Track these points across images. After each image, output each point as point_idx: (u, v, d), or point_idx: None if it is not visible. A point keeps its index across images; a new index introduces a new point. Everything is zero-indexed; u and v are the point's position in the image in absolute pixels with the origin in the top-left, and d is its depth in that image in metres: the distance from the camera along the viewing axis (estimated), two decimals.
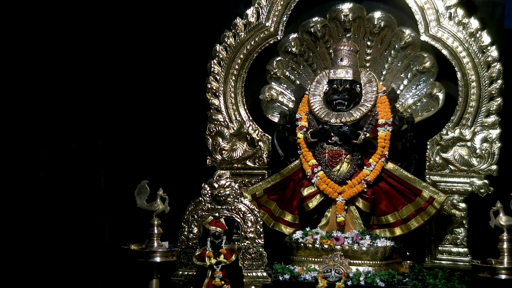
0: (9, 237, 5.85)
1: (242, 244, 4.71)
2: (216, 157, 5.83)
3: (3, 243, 5.82)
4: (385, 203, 5.31)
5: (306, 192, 5.38)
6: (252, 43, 5.79)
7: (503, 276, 4.68)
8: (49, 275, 5.95)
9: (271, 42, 5.80)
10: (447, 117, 5.45)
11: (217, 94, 5.87)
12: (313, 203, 5.36)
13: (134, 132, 6.23)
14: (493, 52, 5.29)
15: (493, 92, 5.31)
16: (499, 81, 5.30)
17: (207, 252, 4.66)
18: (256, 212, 4.77)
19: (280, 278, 5.00)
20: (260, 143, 5.76)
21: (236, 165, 5.81)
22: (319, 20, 5.67)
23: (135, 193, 5.13)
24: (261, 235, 4.72)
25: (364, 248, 5.05)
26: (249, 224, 4.72)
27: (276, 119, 5.72)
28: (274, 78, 5.83)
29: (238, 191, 4.79)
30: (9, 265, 5.77)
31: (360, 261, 5.04)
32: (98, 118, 6.24)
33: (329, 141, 5.36)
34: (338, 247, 5.05)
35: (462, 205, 5.36)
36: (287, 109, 5.76)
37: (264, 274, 4.70)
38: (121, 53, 6.23)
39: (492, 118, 5.33)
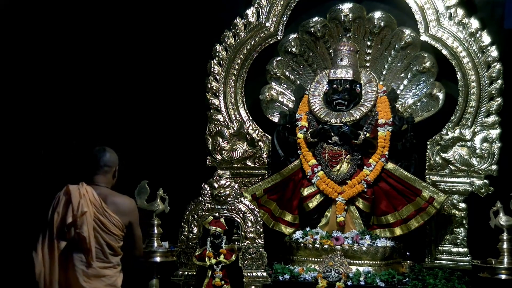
0: (10, 237, 5.85)
1: (242, 244, 4.72)
2: (216, 157, 5.83)
3: (3, 242, 5.82)
4: (385, 203, 5.31)
5: (306, 192, 5.38)
6: (252, 43, 5.80)
7: (503, 276, 4.69)
8: None
9: (271, 42, 5.80)
10: (447, 117, 5.45)
11: (217, 94, 5.87)
12: (313, 203, 5.36)
13: (134, 132, 6.23)
14: (493, 52, 5.29)
15: (493, 92, 5.32)
16: (499, 81, 5.30)
17: (207, 252, 4.67)
18: (256, 212, 4.78)
19: (280, 278, 5.00)
20: (260, 143, 5.76)
21: (236, 165, 5.81)
22: (319, 20, 5.67)
23: (135, 193, 5.14)
24: (261, 235, 4.73)
25: (364, 248, 5.05)
26: (249, 224, 4.73)
27: (276, 119, 5.72)
28: (274, 78, 5.83)
29: (238, 191, 4.80)
30: (9, 265, 5.77)
31: (360, 261, 5.05)
32: (98, 118, 6.24)
33: (329, 141, 5.36)
34: (338, 247, 5.05)
35: (462, 205, 5.36)
36: (287, 109, 5.77)
37: (264, 274, 4.70)
38: (122, 53, 6.23)
39: (492, 118, 5.33)
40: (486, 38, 5.30)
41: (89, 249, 3.97)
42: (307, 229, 5.32)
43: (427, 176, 5.42)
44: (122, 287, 4.29)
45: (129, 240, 4.24)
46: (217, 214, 4.76)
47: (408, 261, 5.38)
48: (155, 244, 5.08)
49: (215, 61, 5.85)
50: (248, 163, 5.81)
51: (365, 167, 5.30)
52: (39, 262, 3.98)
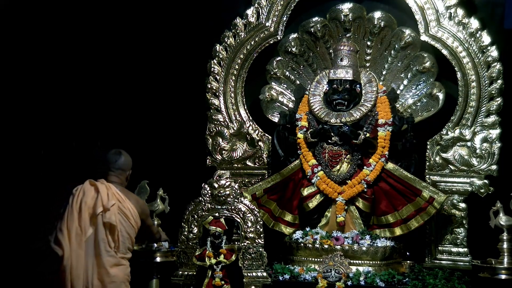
0: (10, 237, 5.85)
1: (242, 244, 4.72)
2: (216, 157, 5.83)
3: (3, 242, 5.83)
4: (385, 203, 5.31)
5: (306, 192, 5.38)
6: (252, 43, 5.80)
7: (503, 276, 4.69)
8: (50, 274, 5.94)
9: (271, 42, 5.80)
10: (447, 117, 5.45)
11: (217, 94, 5.87)
12: (313, 203, 5.36)
13: (134, 132, 6.23)
14: (493, 52, 5.29)
15: (493, 92, 5.32)
16: (499, 81, 5.30)
17: (207, 252, 4.67)
18: (256, 212, 4.78)
19: (280, 278, 5.00)
20: (260, 143, 5.76)
21: (236, 165, 5.81)
22: (319, 20, 5.67)
23: (135, 193, 5.13)
24: (261, 235, 4.73)
25: (364, 248, 5.05)
26: (249, 224, 4.73)
27: (276, 119, 5.72)
28: (274, 78, 5.83)
29: (238, 191, 4.80)
30: (9, 265, 5.77)
31: (360, 261, 5.05)
32: (98, 118, 6.24)
33: (329, 141, 5.36)
34: (338, 247, 5.05)
35: (462, 205, 5.36)
36: (287, 109, 5.77)
37: (264, 274, 4.71)
38: (122, 53, 6.23)
39: (492, 118, 5.33)
40: (486, 38, 5.30)
41: (117, 239, 4.32)
42: (307, 229, 5.32)
43: (427, 176, 5.42)
44: None
45: (145, 233, 4.68)
46: (217, 214, 4.76)
47: (408, 261, 5.38)
48: (155, 244, 5.08)
49: (215, 61, 5.85)
50: (248, 163, 5.81)
51: (365, 167, 5.30)
52: (67, 248, 4.24)
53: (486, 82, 5.32)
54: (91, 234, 4.29)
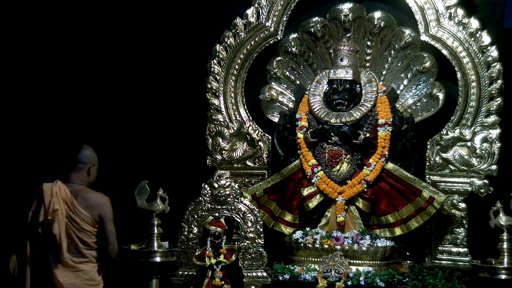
0: (10, 237, 5.85)
1: (242, 244, 4.72)
2: (216, 157, 5.83)
3: (3, 242, 5.82)
4: (385, 203, 5.31)
5: (306, 192, 5.38)
6: (252, 43, 5.80)
7: (503, 276, 4.68)
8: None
9: (271, 42, 5.80)
10: (447, 117, 5.45)
11: (217, 94, 5.87)
12: (313, 203, 5.36)
13: (135, 132, 6.23)
14: (493, 52, 5.29)
15: (493, 92, 5.32)
16: (499, 81, 5.30)
17: (207, 252, 4.67)
18: (256, 212, 4.78)
19: (280, 278, 5.00)
20: (260, 143, 5.76)
21: (236, 165, 5.81)
22: (319, 20, 5.67)
23: (135, 193, 5.14)
24: (261, 235, 4.73)
25: (364, 248, 5.05)
26: (249, 224, 4.73)
27: (276, 119, 5.72)
28: (274, 78, 5.83)
29: (238, 191, 4.80)
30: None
31: (360, 261, 5.05)
32: (98, 118, 6.24)
33: (329, 141, 5.36)
34: (338, 247, 5.05)
35: (462, 205, 5.36)
36: (287, 109, 5.77)
37: (264, 274, 4.71)
38: (122, 53, 6.24)
39: (492, 118, 5.33)
40: (486, 38, 5.30)
41: (60, 245, 4.09)
42: (307, 229, 5.32)
43: (427, 176, 5.42)
44: (121, 287, 4.32)
45: (102, 236, 4.29)
46: (217, 214, 4.76)
47: (408, 261, 5.38)
48: (155, 244, 5.08)
49: (215, 61, 5.85)
50: (248, 163, 5.81)
51: (365, 167, 5.30)
52: (12, 260, 4.17)
53: (486, 82, 5.32)
54: (41, 244, 4.12)
